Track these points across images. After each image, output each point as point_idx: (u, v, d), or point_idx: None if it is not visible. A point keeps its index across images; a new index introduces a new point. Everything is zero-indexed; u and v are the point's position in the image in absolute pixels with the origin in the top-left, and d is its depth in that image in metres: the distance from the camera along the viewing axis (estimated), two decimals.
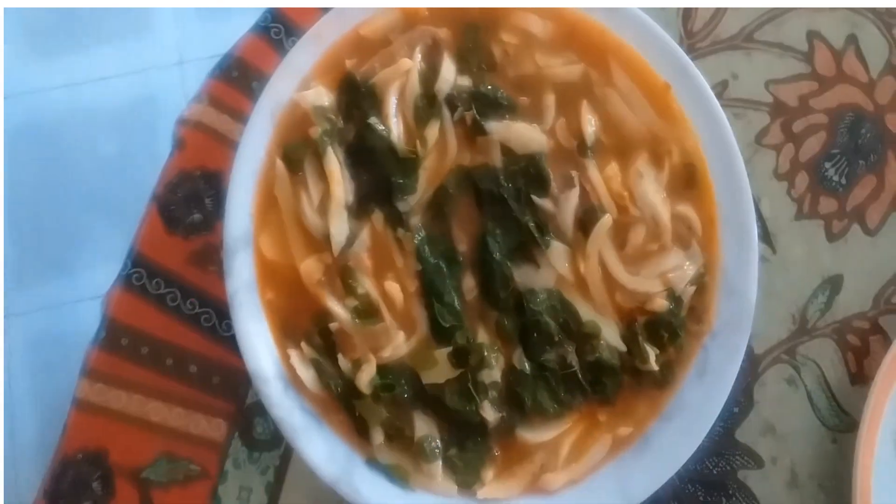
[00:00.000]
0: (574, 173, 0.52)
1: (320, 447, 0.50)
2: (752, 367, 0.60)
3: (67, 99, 1.43)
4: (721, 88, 0.64)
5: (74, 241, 1.36)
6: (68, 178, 1.40)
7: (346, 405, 0.51)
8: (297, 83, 0.52)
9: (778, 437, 0.60)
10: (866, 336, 0.61)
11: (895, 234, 0.63)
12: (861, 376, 0.60)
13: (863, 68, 0.66)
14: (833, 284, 0.62)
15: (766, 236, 0.62)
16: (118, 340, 0.59)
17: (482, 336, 0.51)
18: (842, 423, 0.60)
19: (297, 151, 0.51)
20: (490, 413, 0.50)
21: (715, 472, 0.59)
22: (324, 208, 0.51)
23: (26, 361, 1.33)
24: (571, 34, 0.54)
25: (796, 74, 0.65)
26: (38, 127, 1.42)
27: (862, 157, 0.65)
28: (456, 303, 0.51)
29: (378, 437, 0.50)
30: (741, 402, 0.60)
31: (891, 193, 0.64)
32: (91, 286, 1.21)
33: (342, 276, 0.51)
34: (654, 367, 0.51)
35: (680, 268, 0.52)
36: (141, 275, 0.59)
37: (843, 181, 0.64)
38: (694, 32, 0.65)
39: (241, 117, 0.54)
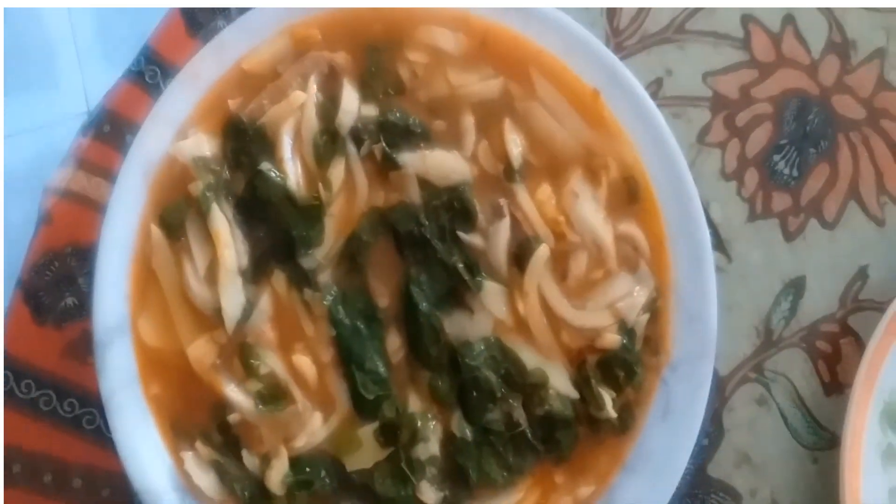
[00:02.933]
0: (503, 201, 0.44)
1: None
2: (719, 392, 0.52)
3: None
4: (656, 87, 0.56)
5: None
6: None
7: None
8: (172, 133, 0.43)
9: (754, 466, 0.52)
10: (836, 340, 0.53)
11: (855, 225, 0.55)
12: (836, 385, 0.53)
13: (803, 49, 0.58)
14: (796, 288, 0.54)
15: (719, 244, 0.54)
16: None
17: (414, 404, 0.43)
18: (821, 441, 0.52)
19: (176, 214, 0.42)
20: (430, 495, 0.42)
21: None
22: (212, 277, 0.42)
23: None
24: (485, 45, 0.45)
25: (734, 63, 0.57)
26: None
27: (812, 145, 0.57)
28: (380, 368, 0.42)
29: None
30: (710, 432, 0.52)
31: (846, 180, 0.57)
32: None
33: (241, 355, 0.42)
34: (612, 413, 0.43)
35: (629, 294, 0.45)
36: (7, 378, 0.49)
37: (795, 173, 0.56)
38: (621, 30, 0.57)
39: (115, 179, 0.43)
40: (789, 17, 0.59)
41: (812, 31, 0.59)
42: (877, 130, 0.59)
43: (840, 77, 0.59)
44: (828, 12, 0.58)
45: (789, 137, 0.58)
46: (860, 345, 0.52)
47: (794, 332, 0.54)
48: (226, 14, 0.54)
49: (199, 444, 0.42)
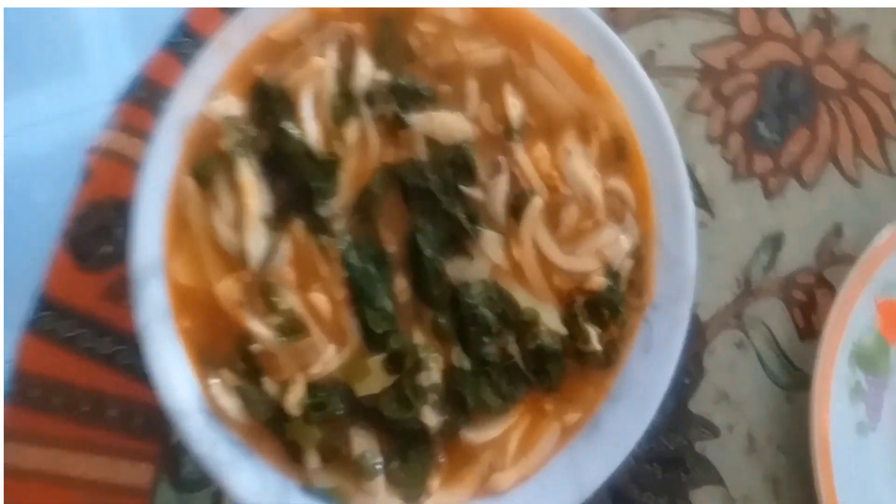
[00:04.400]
0: (502, 158, 0.46)
1: (251, 479, 0.43)
2: (700, 336, 0.54)
3: None
4: (648, 59, 0.58)
5: (18, 300, 1.21)
6: (5, 233, 1.22)
7: (276, 431, 0.44)
8: (204, 95, 0.45)
9: (732, 403, 0.54)
10: (812, 290, 0.56)
11: (832, 186, 0.57)
12: (810, 331, 0.55)
13: (788, 24, 0.60)
14: (774, 242, 0.56)
15: (703, 201, 0.56)
16: (28, 392, 0.50)
17: (418, 338, 0.45)
18: (794, 381, 0.54)
19: (207, 167, 0.44)
20: (431, 417, 0.44)
21: (671, 447, 0.53)
22: (239, 223, 0.44)
23: None
24: (489, 17, 0.47)
25: (722, 37, 0.59)
26: None
27: (793, 112, 0.58)
28: (388, 306, 0.45)
29: (313, 460, 0.44)
30: (691, 372, 0.54)
31: (825, 145, 0.58)
32: None
33: (263, 293, 0.44)
34: (598, 346, 0.45)
35: (615, 242, 0.47)
36: (51, 318, 0.51)
37: (777, 138, 0.58)
38: (617, 6, 0.59)
39: (152, 137, 0.45)
40: None
41: (797, 7, 0.60)
42: (856, 99, 0.60)
43: (822, 49, 0.61)
44: None
45: (772, 105, 0.59)
46: (834, 295, 0.54)
47: (772, 283, 0.56)
48: None
49: (224, 371, 0.44)
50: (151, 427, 0.51)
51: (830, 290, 0.55)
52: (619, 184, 0.47)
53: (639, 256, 0.47)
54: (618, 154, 0.48)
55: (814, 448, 0.50)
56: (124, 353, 0.52)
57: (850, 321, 0.52)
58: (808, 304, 0.56)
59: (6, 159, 1.27)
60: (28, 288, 0.53)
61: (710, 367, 0.54)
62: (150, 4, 1.19)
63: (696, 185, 0.56)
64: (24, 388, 0.51)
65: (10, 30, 1.34)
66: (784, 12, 0.60)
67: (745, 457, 0.54)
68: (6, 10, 1.32)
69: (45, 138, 1.29)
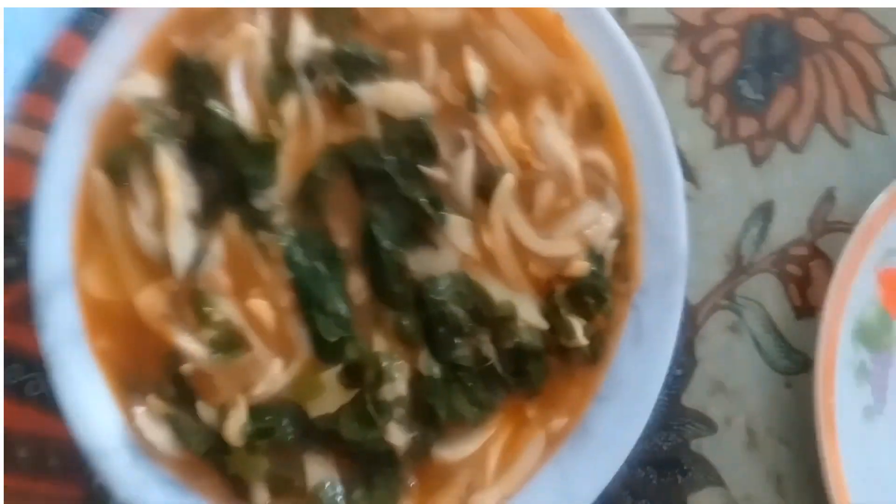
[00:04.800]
0: (466, 133, 0.40)
1: None
2: (690, 321, 0.49)
3: None
4: (619, 17, 0.52)
5: None
6: None
7: (216, 465, 0.38)
8: (114, 75, 0.38)
9: (728, 393, 0.49)
10: (806, 263, 0.51)
11: (822, 147, 0.53)
12: (807, 308, 0.50)
13: None
14: (765, 213, 0.51)
15: (687, 172, 0.50)
16: None
17: (379, 344, 0.39)
18: (794, 364, 0.49)
19: (121, 158, 0.38)
20: (398, 436, 0.38)
21: (665, 447, 0.48)
22: (160, 222, 0.38)
23: None
24: None
25: None
26: None
27: (776, 69, 0.53)
28: (342, 310, 0.39)
29: (261, 495, 0.38)
30: (683, 361, 0.49)
31: (811, 103, 0.54)
32: None
33: (193, 302, 0.38)
34: (583, 340, 0.40)
35: (597, 221, 0.41)
36: None
37: (761, 97, 0.53)
38: None
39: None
40: None
41: None
42: (841, 52, 0.56)
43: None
44: None
45: (754, 62, 0.54)
46: (830, 267, 0.50)
47: (764, 257, 0.51)
48: None
49: (150, 398, 0.38)
50: (69, 468, 0.44)
51: (826, 261, 0.51)
52: (597, 155, 0.42)
53: (623, 236, 0.42)
54: (594, 122, 0.42)
55: (820, 437, 0.45)
56: (33, 382, 0.45)
57: (850, 295, 0.47)
58: (804, 279, 0.51)
59: None
60: None
61: (702, 354, 0.50)
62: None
63: (679, 154, 0.48)
64: None
65: None
66: None
67: (746, 452, 0.49)
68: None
69: None
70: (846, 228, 0.50)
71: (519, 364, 0.40)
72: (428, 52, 0.41)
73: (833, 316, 0.46)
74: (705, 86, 0.53)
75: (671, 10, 0.53)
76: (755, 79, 0.53)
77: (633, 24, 0.53)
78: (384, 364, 0.38)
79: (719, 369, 0.49)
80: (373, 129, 0.40)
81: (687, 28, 0.53)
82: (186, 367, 0.38)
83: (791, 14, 0.54)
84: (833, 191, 0.52)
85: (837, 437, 0.45)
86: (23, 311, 0.44)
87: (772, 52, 0.54)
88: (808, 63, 0.54)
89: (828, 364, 0.46)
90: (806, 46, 0.54)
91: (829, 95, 0.54)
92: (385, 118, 0.40)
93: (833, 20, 0.55)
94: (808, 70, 0.54)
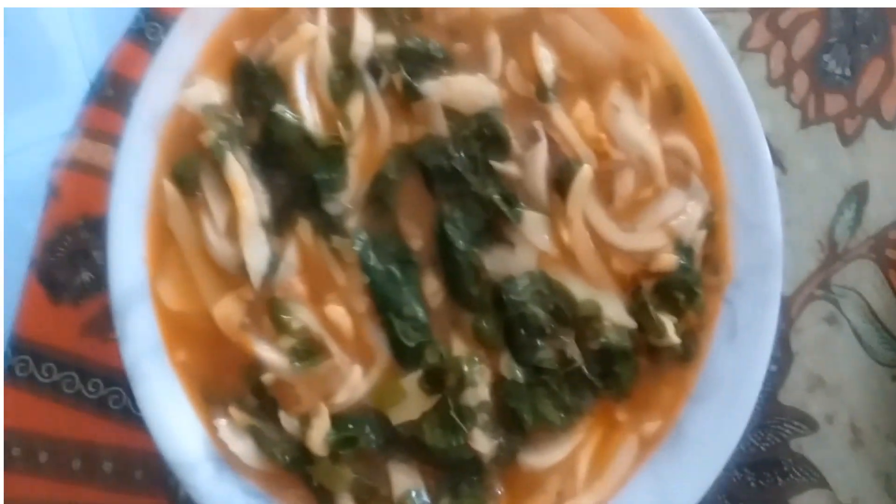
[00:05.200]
0: (538, 124, 0.39)
1: None
2: (784, 313, 0.47)
3: None
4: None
5: None
6: None
7: (300, 475, 0.37)
8: (178, 83, 0.38)
9: (828, 389, 0.47)
10: None
11: None
12: None
13: None
14: (859, 194, 0.48)
15: (771, 155, 0.46)
16: (8, 452, 0.44)
17: (458, 348, 0.38)
18: None
19: (189, 167, 0.38)
20: (483, 442, 0.37)
21: (763, 448, 0.46)
22: (234, 231, 0.37)
23: None
24: None
25: None
26: None
27: (864, 41, 0.50)
28: (419, 314, 0.38)
29: None
30: (778, 357, 0.47)
31: None
32: None
33: (270, 311, 0.37)
34: (675, 339, 0.38)
35: (683, 211, 0.40)
36: (26, 363, 0.44)
37: (848, 72, 0.50)
38: None
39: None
40: None
41: None
42: None
43: None
44: None
45: (838, 35, 0.51)
46: None
47: (860, 243, 0.48)
48: None
49: (232, 410, 0.38)
50: (154, 480, 0.44)
51: None
52: (679, 140, 0.40)
53: (711, 225, 0.40)
54: (673, 105, 0.40)
55: None
56: (116, 395, 0.45)
57: None
58: None
59: None
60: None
61: (798, 349, 0.47)
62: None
63: None
64: (4, 447, 0.44)
65: None
66: None
67: (851, 451, 0.46)
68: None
69: (31, 164, 1.25)
70: None
71: (606, 365, 0.39)
72: (493, 41, 0.40)
73: None
74: (786, 63, 0.50)
75: None
76: (840, 52, 0.50)
77: (705, 3, 0.51)
78: (465, 368, 0.37)
79: (817, 364, 0.47)
80: (440, 126, 0.39)
81: (763, 2, 0.51)
82: (267, 377, 0.37)
83: None
84: None
85: None
86: (100, 326, 0.45)
87: (857, 22, 0.51)
88: None
89: None
90: (893, 14, 0.51)
91: None
92: (452, 114, 0.39)
93: None
94: None
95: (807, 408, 0.47)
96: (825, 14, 0.51)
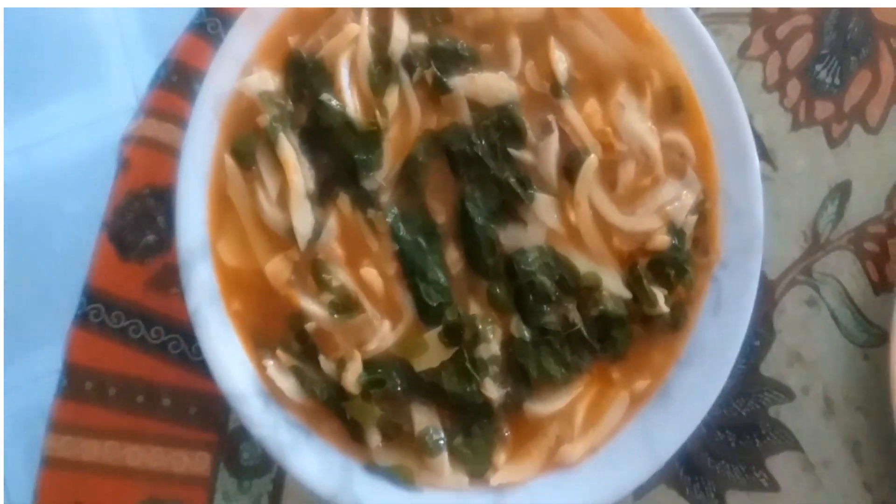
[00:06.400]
0: (551, 117, 0.43)
1: (313, 461, 0.42)
2: (769, 295, 0.50)
3: (23, 163, 1.25)
4: (695, 6, 0.54)
5: (51, 309, 1.15)
6: (37, 244, 1.21)
7: (335, 410, 0.42)
8: (238, 71, 0.43)
9: (806, 364, 0.50)
10: (884, 241, 0.51)
11: None
12: (885, 284, 0.50)
13: None
14: (842, 192, 0.52)
15: (764, 153, 0.51)
16: (82, 385, 0.49)
17: (474, 309, 0.43)
18: (871, 338, 0.50)
19: (246, 144, 0.42)
20: (493, 390, 0.42)
21: (744, 413, 0.49)
22: (283, 201, 0.42)
23: (16, 441, 1.15)
24: None
25: None
26: None
27: (853, 53, 0.54)
28: (441, 278, 0.42)
29: (374, 438, 0.42)
30: (761, 333, 0.50)
31: (888, 86, 0.54)
32: None
33: (313, 271, 0.42)
34: (665, 308, 0.42)
35: (678, 198, 0.44)
36: (98, 310, 0.49)
37: (837, 81, 0.53)
38: None
39: (186, 123, 0.44)
40: None
41: None
42: None
43: None
44: None
45: (830, 47, 0.55)
46: None
47: (841, 235, 0.51)
48: None
49: (279, 353, 0.43)
50: (206, 416, 0.49)
51: None
52: (677, 136, 0.44)
53: (703, 211, 0.44)
54: (674, 105, 0.44)
55: (894, 407, 0.46)
56: (175, 342, 0.50)
57: None
58: (881, 256, 0.51)
59: (27, 174, 1.26)
60: (73, 284, 0.52)
61: (780, 327, 0.50)
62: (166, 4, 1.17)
63: (756, 137, 0.50)
64: (78, 382, 0.49)
65: (31, 45, 1.33)
66: None
67: (823, 419, 0.50)
68: (17, 16, 1.33)
69: (72, 148, 1.29)
70: None
71: (604, 330, 0.43)
72: (514, 43, 0.44)
73: None
74: (781, 71, 0.53)
75: None
76: (831, 63, 0.54)
77: (709, 12, 0.54)
78: (480, 327, 0.42)
79: (797, 341, 0.50)
80: (465, 116, 0.43)
81: (762, 15, 0.54)
82: (309, 326, 0.42)
83: None
84: None
85: None
86: (162, 282, 0.50)
87: (848, 36, 0.54)
88: (885, 46, 0.54)
89: None
90: (882, 30, 0.54)
91: None
92: (476, 106, 0.43)
93: None
94: (884, 53, 0.54)
95: (785, 380, 0.50)
96: (819, 27, 0.55)
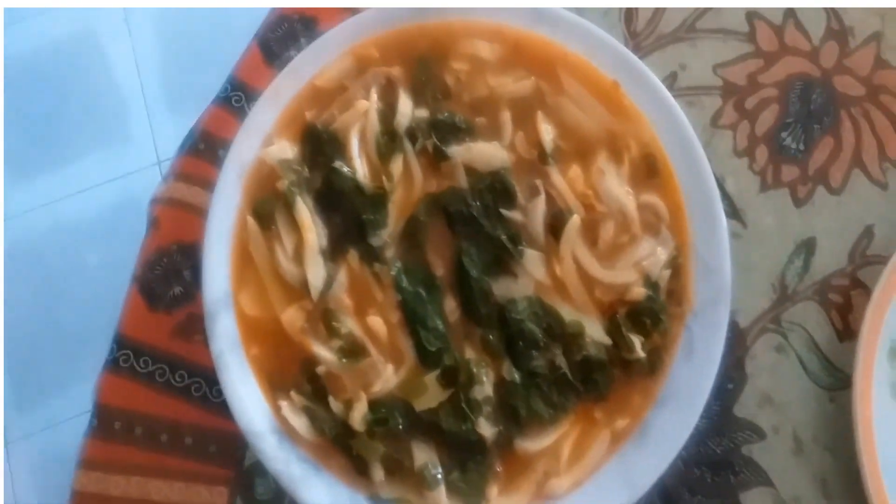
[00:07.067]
0: (538, 182, 0.48)
1: (322, 493, 0.45)
2: (741, 341, 0.55)
3: (48, 218, 1.33)
4: (671, 80, 0.59)
5: (73, 356, 1.19)
6: (59, 295, 1.28)
7: (342, 447, 0.46)
8: (260, 142, 0.48)
9: (776, 406, 0.54)
10: (847, 292, 0.55)
11: (860, 190, 0.57)
12: (848, 332, 0.54)
13: (804, 38, 0.60)
14: (807, 247, 0.56)
15: (734, 213, 0.56)
16: (111, 425, 0.53)
17: (470, 354, 0.47)
18: (836, 381, 0.54)
19: (267, 206, 0.47)
20: (486, 429, 0.45)
21: (719, 451, 0.53)
22: (299, 257, 0.47)
23: (32, 485, 1.20)
24: (517, 51, 0.50)
25: (742, 55, 0.60)
26: (23, 250, 1.31)
27: (816, 122, 0.59)
28: (440, 326, 0.46)
29: (378, 473, 0.45)
30: (734, 377, 0.54)
31: (849, 151, 0.58)
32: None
33: (324, 319, 0.47)
34: (641, 354, 0.46)
35: (653, 254, 0.48)
36: (128, 356, 0.54)
37: (802, 147, 0.58)
38: (637, 32, 0.60)
39: (211, 187, 0.49)
40: (790, 12, 0.62)
41: (812, 21, 0.61)
42: (876, 104, 0.60)
43: (840, 59, 0.61)
44: (825, 5, 0.61)
45: (795, 116, 0.60)
46: (869, 295, 0.53)
47: (807, 287, 0.56)
48: (296, 44, 0.60)
49: (293, 394, 0.47)
50: (225, 453, 0.53)
51: (865, 290, 0.55)
52: (652, 199, 0.49)
53: (676, 266, 0.48)
54: (649, 171, 0.49)
55: (859, 446, 0.50)
56: (197, 385, 0.54)
57: (886, 319, 0.51)
58: (845, 306, 0.55)
59: (51, 228, 1.33)
60: (105, 332, 0.56)
61: (752, 371, 0.54)
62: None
63: (727, 198, 0.56)
64: (108, 422, 0.54)
65: (60, 104, 1.42)
66: (800, 28, 0.61)
67: (793, 457, 0.53)
68: (48, 76, 1.39)
69: (96, 202, 1.36)
70: (884, 261, 0.54)
71: (587, 373, 0.47)
72: (506, 117, 0.49)
73: (870, 338, 0.51)
74: (750, 138, 0.58)
75: (717, 73, 0.59)
76: (796, 131, 0.59)
77: (684, 86, 0.59)
78: (474, 370, 0.46)
79: (767, 385, 0.54)
80: (462, 181, 0.48)
81: (732, 88, 0.59)
82: (320, 369, 0.46)
83: (828, 72, 0.60)
84: (871, 228, 0.57)
85: (876, 446, 0.49)
86: (187, 330, 0.55)
87: (811, 106, 0.59)
88: (846, 115, 0.59)
89: (865, 380, 0.50)
90: (843, 100, 0.59)
91: (866, 143, 0.59)
92: (472, 171, 0.49)
93: (868, 76, 0.60)
94: (845, 121, 0.59)
95: (757, 420, 0.53)
96: (784, 98, 0.60)
